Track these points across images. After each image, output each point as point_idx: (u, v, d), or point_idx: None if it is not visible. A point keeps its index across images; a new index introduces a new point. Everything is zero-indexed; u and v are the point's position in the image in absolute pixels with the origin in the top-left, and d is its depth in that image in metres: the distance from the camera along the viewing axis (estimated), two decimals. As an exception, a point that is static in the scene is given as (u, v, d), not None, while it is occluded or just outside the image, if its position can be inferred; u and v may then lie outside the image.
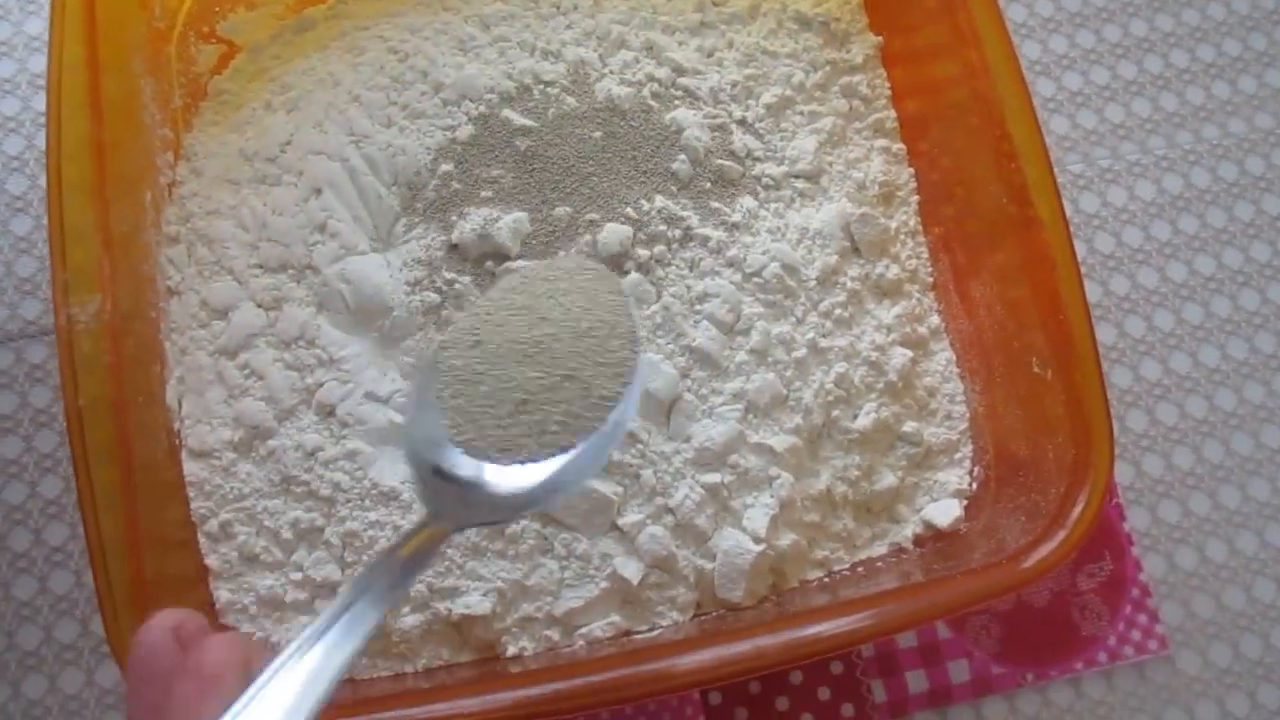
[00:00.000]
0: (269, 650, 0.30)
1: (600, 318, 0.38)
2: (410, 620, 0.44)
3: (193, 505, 0.46)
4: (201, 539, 0.45)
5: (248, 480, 0.46)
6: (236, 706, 0.27)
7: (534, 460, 0.36)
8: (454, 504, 0.35)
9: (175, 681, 0.29)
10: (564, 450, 0.36)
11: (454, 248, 0.47)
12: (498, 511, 0.36)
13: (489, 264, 0.47)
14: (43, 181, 0.55)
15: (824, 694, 0.52)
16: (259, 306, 0.48)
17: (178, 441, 0.46)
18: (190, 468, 0.46)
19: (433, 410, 0.37)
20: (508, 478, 0.36)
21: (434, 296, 0.47)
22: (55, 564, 0.52)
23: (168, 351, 0.47)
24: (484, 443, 0.36)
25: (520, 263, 0.46)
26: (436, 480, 0.36)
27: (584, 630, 0.45)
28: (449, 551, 0.44)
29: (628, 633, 0.45)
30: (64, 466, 0.53)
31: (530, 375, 0.37)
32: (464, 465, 0.36)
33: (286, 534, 0.45)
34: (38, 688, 0.50)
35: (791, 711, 0.52)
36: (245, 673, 0.29)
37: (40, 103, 0.57)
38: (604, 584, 0.45)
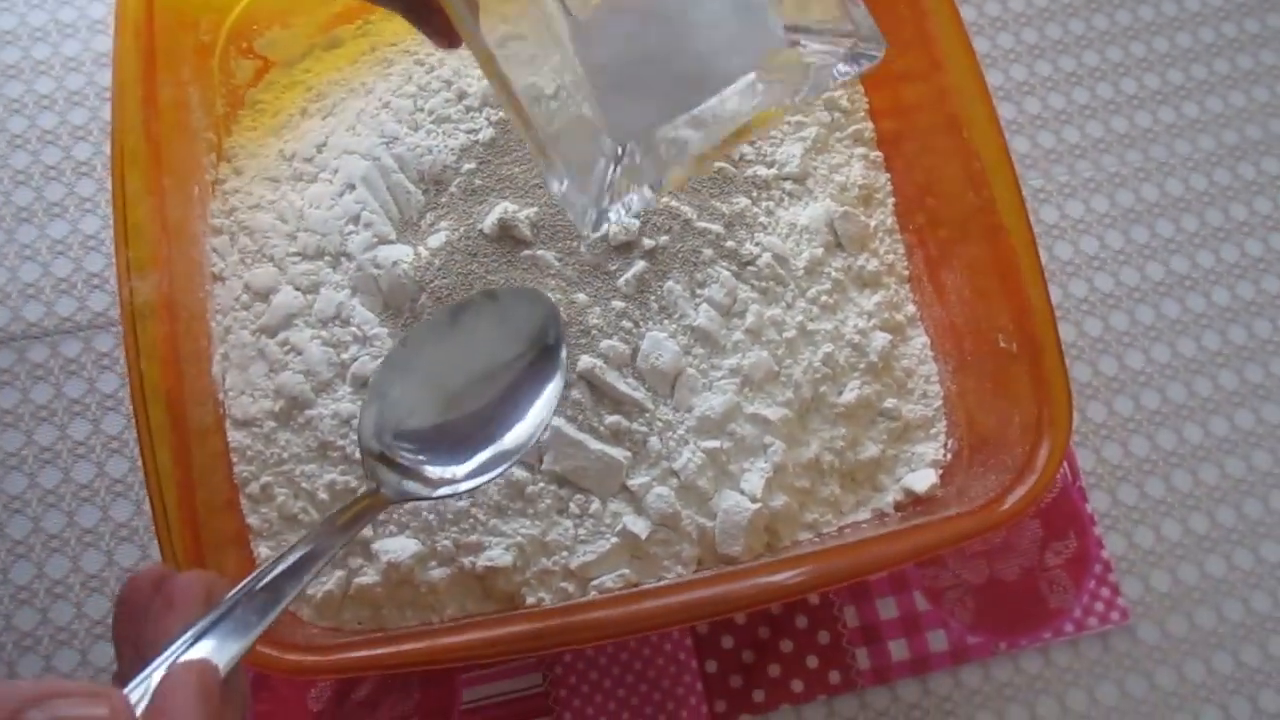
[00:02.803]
0: (227, 584, 0.35)
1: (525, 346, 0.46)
2: (437, 573, 0.47)
3: (236, 470, 0.48)
4: (244, 501, 0.48)
5: (287, 446, 0.48)
6: (196, 625, 0.32)
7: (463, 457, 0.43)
8: (394, 483, 0.42)
9: (149, 607, 0.33)
10: (488, 444, 0.44)
11: (474, 238, 0.50)
12: (427, 489, 0.42)
13: (507, 251, 0.50)
14: (108, 186, 0.59)
15: (812, 662, 0.55)
16: (297, 290, 0.51)
17: (222, 412, 0.49)
18: (234, 436, 0.49)
19: (383, 401, 0.44)
20: (440, 467, 0.43)
21: (456, 281, 0.50)
22: (121, 539, 0.55)
23: (213, 331, 0.50)
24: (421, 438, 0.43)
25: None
26: (380, 464, 0.42)
27: (596, 582, 0.47)
28: (474, 510, 0.47)
29: (636, 584, 0.48)
30: (130, 448, 0.56)
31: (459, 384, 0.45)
32: (404, 455, 0.43)
33: (322, 495, 0.48)
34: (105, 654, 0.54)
35: (783, 678, 0.55)
36: (207, 600, 0.33)
37: (106, 113, 0.61)
38: (615, 540, 0.47)
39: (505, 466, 0.44)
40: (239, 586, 0.34)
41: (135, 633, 0.33)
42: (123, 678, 0.31)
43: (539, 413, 0.45)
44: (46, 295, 0.59)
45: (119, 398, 0.57)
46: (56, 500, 0.56)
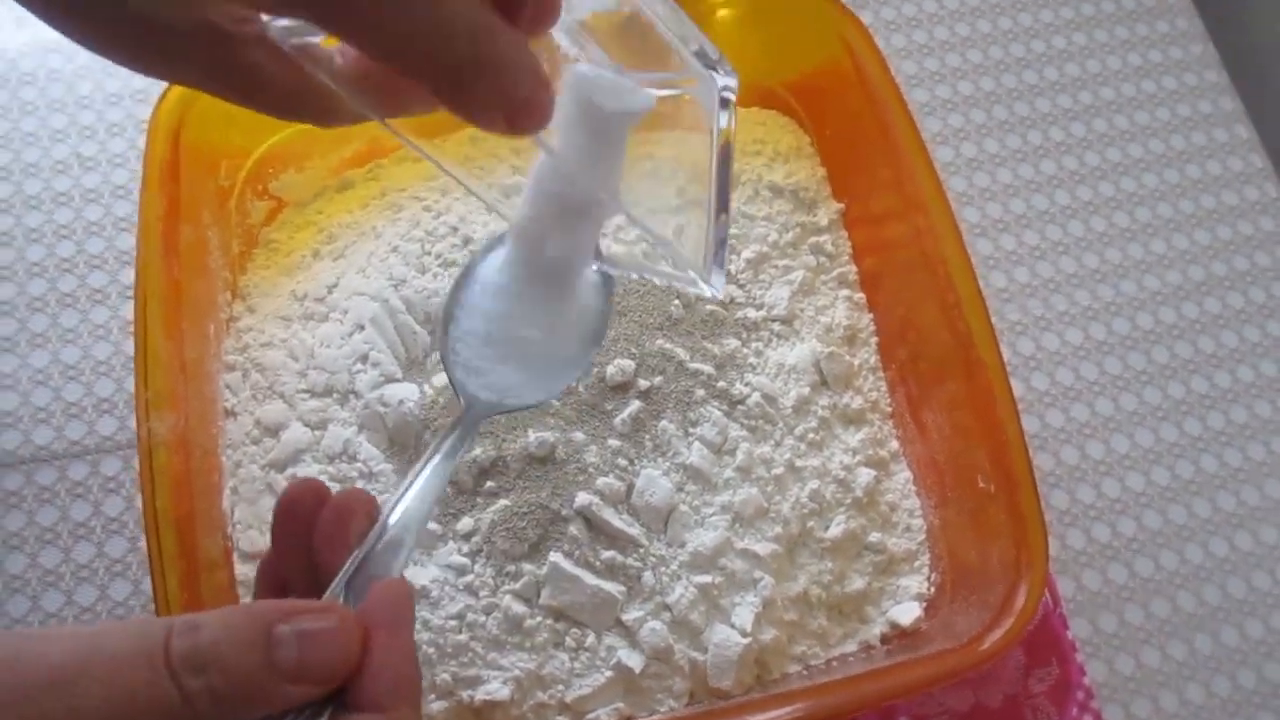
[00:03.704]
0: (379, 504, 0.37)
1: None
2: (436, 706, 0.47)
3: (242, 602, 0.49)
4: (249, 634, 0.49)
5: (293, 580, 0.50)
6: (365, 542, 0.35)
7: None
8: (480, 401, 0.42)
9: (312, 518, 0.36)
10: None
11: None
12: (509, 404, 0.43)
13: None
14: (122, 312, 0.61)
15: (800, 792, 0.56)
16: (306, 426, 0.52)
17: (230, 545, 0.50)
18: (241, 569, 0.50)
19: (455, 326, 0.44)
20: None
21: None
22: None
23: (224, 465, 0.52)
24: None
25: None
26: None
27: (591, 715, 0.48)
28: (472, 644, 0.48)
29: (630, 718, 0.49)
30: (133, 570, 0.57)
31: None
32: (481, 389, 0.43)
33: (326, 628, 0.49)
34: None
35: (771, 808, 0.56)
36: (367, 516, 0.36)
37: (121, 243, 0.64)
38: (609, 673, 0.48)
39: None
40: (394, 501, 0.36)
41: (299, 537, 0.35)
42: (276, 568, 0.36)
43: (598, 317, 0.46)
44: (57, 419, 0.61)
45: (123, 520, 0.59)
46: (59, 623, 0.57)
